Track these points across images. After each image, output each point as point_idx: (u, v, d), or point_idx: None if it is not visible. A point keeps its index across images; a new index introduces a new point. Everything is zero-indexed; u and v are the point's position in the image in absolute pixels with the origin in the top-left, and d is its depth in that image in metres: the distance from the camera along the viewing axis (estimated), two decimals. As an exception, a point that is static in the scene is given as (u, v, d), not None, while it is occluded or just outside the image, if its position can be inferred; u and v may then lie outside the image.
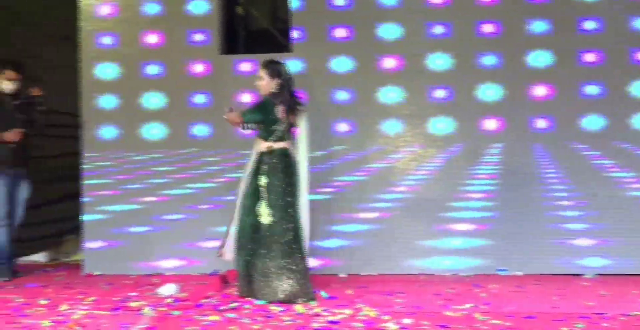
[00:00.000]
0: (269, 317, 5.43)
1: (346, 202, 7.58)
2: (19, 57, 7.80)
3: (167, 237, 7.69)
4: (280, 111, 6.12)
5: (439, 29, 7.58)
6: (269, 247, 6.01)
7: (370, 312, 5.52)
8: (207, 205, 7.66)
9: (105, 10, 7.87)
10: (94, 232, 7.78)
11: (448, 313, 5.51)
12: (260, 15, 8.10)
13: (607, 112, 7.39)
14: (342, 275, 7.37)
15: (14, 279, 7.34)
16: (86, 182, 7.82)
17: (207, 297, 6.20)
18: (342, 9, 7.67)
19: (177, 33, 7.82)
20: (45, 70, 8.35)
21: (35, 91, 7.36)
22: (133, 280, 7.26)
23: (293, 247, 6.03)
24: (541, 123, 7.45)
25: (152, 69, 7.83)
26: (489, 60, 7.52)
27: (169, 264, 7.67)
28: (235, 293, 6.23)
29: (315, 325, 5.15)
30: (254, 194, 6.14)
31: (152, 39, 7.84)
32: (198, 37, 7.80)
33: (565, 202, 7.42)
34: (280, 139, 6.17)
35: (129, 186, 7.87)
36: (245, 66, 7.72)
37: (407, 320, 5.21)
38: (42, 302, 6.08)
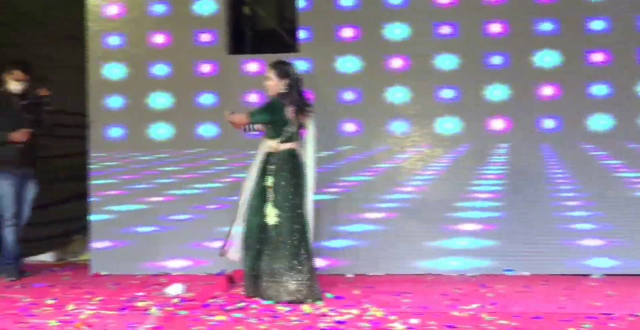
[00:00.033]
0: (275, 317, 5.43)
1: (353, 202, 7.58)
2: (27, 57, 7.81)
3: (174, 237, 7.70)
4: (290, 112, 6.12)
5: (446, 29, 7.58)
6: (276, 248, 6.01)
7: (377, 312, 5.52)
8: (214, 205, 7.66)
9: (112, 10, 7.88)
10: (101, 232, 7.79)
11: (455, 313, 5.50)
12: (267, 15, 8.11)
13: (615, 112, 7.38)
14: (349, 275, 7.37)
15: (22, 278, 7.35)
16: (93, 182, 7.83)
17: (214, 297, 6.20)
18: (349, 9, 7.67)
19: (184, 33, 7.82)
20: (53, 71, 8.38)
21: (43, 91, 7.38)
22: (140, 280, 7.27)
23: (300, 248, 6.02)
24: (548, 123, 7.44)
25: (159, 69, 7.83)
26: (496, 60, 7.50)
27: (175, 264, 7.68)
28: (242, 293, 6.22)
29: (322, 325, 5.15)
30: (260, 195, 6.13)
31: (159, 39, 7.85)
32: (205, 37, 7.80)
33: (573, 203, 7.41)
34: (289, 140, 6.16)
35: (135, 186, 7.88)
36: (252, 66, 7.73)
37: (414, 321, 5.21)
38: (49, 301, 6.09)
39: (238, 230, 6.27)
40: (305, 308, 5.69)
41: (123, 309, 5.78)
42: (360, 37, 7.65)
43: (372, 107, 7.59)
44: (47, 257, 8.71)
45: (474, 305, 5.78)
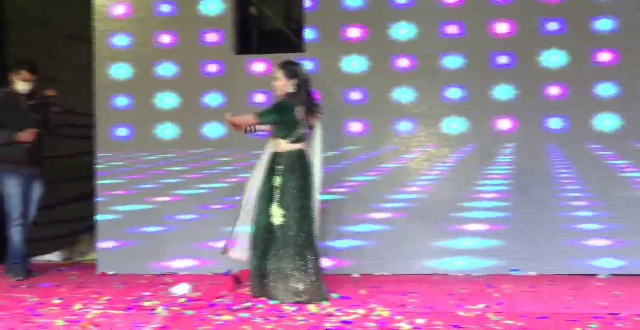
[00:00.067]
0: (282, 316, 5.43)
1: (359, 202, 7.58)
2: (34, 57, 7.83)
3: (180, 237, 7.71)
4: (300, 112, 6.12)
5: (452, 29, 7.57)
6: (283, 248, 6.01)
7: (383, 312, 5.52)
8: (219, 205, 7.66)
9: (118, 10, 7.89)
10: (108, 232, 7.81)
11: (461, 313, 5.50)
12: (274, 15, 8.10)
13: (621, 111, 7.37)
14: (355, 275, 7.38)
15: (28, 278, 7.35)
16: (99, 182, 7.84)
17: (220, 297, 6.20)
18: (355, 9, 7.66)
19: (191, 33, 7.83)
20: (59, 70, 8.40)
21: (50, 92, 7.39)
22: (146, 279, 7.28)
23: (306, 248, 6.03)
24: (554, 123, 7.44)
25: (166, 69, 7.84)
26: (502, 60, 7.50)
27: (182, 264, 7.70)
28: (248, 293, 6.23)
29: (328, 325, 5.15)
30: (268, 195, 6.13)
31: (165, 39, 7.86)
32: (211, 37, 7.81)
33: (579, 202, 7.40)
34: (298, 140, 6.16)
35: (141, 186, 7.89)
36: (259, 66, 7.73)
37: (420, 320, 5.21)
38: (56, 301, 6.10)
39: (242, 229, 6.29)
40: (312, 308, 5.70)
41: (129, 308, 5.79)
42: (367, 37, 7.65)
43: (378, 107, 7.59)
44: (53, 256, 8.73)
45: (480, 305, 5.78)
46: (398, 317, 5.33)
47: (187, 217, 7.75)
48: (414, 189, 7.58)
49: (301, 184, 6.10)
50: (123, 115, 7.87)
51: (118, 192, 7.86)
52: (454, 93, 7.54)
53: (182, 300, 6.09)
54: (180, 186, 7.84)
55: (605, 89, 7.38)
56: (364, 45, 7.64)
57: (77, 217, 8.65)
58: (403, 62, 7.60)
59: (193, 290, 6.47)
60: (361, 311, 5.55)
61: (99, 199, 7.83)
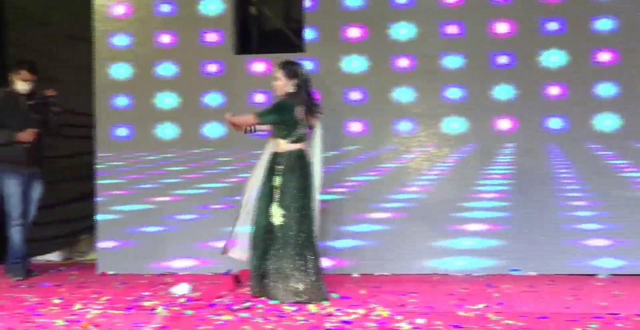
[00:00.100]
0: (282, 316, 5.44)
1: (359, 202, 7.58)
2: (34, 57, 7.83)
3: (180, 237, 7.71)
4: (300, 112, 6.11)
5: (452, 29, 7.57)
6: (283, 248, 6.01)
7: (383, 312, 5.52)
8: (219, 205, 7.66)
9: (118, 10, 7.89)
10: (108, 232, 7.81)
11: (461, 313, 5.51)
12: (274, 15, 8.10)
13: (621, 111, 7.36)
14: (355, 275, 7.38)
15: (28, 278, 7.36)
16: (99, 181, 7.84)
17: (220, 297, 6.21)
18: (355, 9, 7.66)
19: (191, 33, 7.83)
20: (59, 70, 8.40)
21: (50, 92, 7.39)
22: (146, 279, 7.28)
23: (306, 248, 6.03)
24: (555, 123, 7.43)
25: (166, 69, 7.84)
26: (502, 60, 7.49)
27: (182, 264, 7.70)
28: (248, 293, 6.23)
29: (328, 325, 5.15)
30: (268, 195, 6.13)
31: (165, 39, 7.86)
32: (211, 37, 7.81)
33: (579, 202, 7.40)
34: (299, 140, 6.16)
35: (141, 186, 7.89)
36: (259, 66, 7.73)
37: (420, 320, 5.21)
38: (56, 301, 6.10)
39: (242, 229, 6.29)
40: (312, 308, 5.70)
41: (129, 308, 5.80)
42: (367, 37, 7.65)
43: (378, 107, 7.59)
44: (54, 256, 8.73)
45: (480, 305, 5.78)
46: (398, 317, 5.33)
47: (187, 217, 7.75)
48: (414, 189, 7.58)
49: (301, 184, 6.10)
50: (123, 115, 7.87)
51: (118, 192, 7.86)
52: (454, 93, 7.53)
53: (182, 300, 6.10)
54: (180, 186, 7.84)
55: (605, 89, 7.38)
56: (364, 45, 7.64)
57: (77, 217, 8.65)
58: (403, 62, 7.60)
59: (193, 290, 6.48)
60: (361, 311, 5.55)
61: (99, 199, 7.83)
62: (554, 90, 7.43)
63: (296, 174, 6.10)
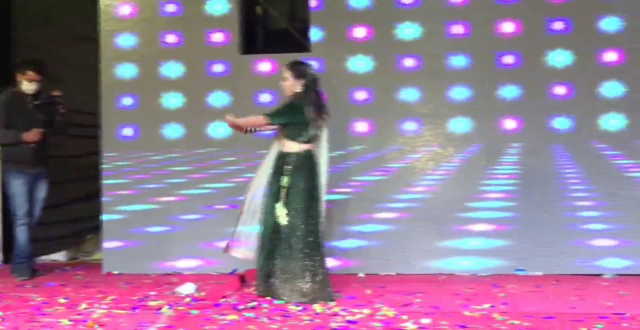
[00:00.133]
0: (287, 316, 5.44)
1: (364, 202, 7.57)
2: (40, 57, 7.83)
3: (186, 236, 7.71)
4: (311, 112, 6.10)
5: (458, 29, 7.55)
6: (290, 248, 6.00)
7: (388, 311, 5.52)
8: (224, 205, 7.65)
9: (124, 10, 7.89)
10: (113, 232, 7.81)
11: (467, 313, 5.50)
12: (279, 15, 8.10)
13: (627, 111, 7.34)
14: (361, 275, 7.37)
15: (34, 277, 7.37)
16: (105, 181, 7.85)
17: (226, 297, 6.21)
18: (360, 8, 7.65)
19: (196, 33, 7.83)
20: (65, 70, 8.39)
21: (56, 92, 7.40)
22: (152, 279, 7.29)
23: (313, 248, 6.02)
24: (560, 123, 7.42)
25: (171, 69, 7.84)
26: (508, 59, 7.48)
27: (187, 264, 7.70)
28: (254, 292, 6.23)
29: (333, 325, 5.15)
30: (275, 195, 6.12)
31: (171, 39, 7.86)
32: (217, 37, 7.80)
33: (585, 202, 7.38)
34: (309, 141, 6.15)
35: (147, 186, 7.90)
36: (264, 66, 7.73)
37: (425, 320, 5.21)
38: (62, 301, 6.12)
39: (246, 229, 6.29)
40: (317, 307, 5.70)
41: (135, 308, 5.80)
42: (372, 36, 7.64)
43: (383, 107, 7.58)
44: (59, 256, 8.74)
45: (486, 305, 5.78)
46: (403, 317, 5.33)
47: (192, 217, 7.75)
48: (419, 188, 7.57)
49: (309, 185, 6.10)
50: (129, 115, 7.87)
51: (123, 192, 7.86)
52: (459, 93, 7.52)
53: (188, 300, 6.10)
54: (185, 186, 7.84)
55: (611, 89, 7.36)
56: (369, 45, 7.63)
57: (82, 216, 8.65)
58: (408, 62, 7.59)
59: (198, 290, 6.48)
60: (366, 311, 5.55)
61: (104, 198, 7.84)
62: (559, 90, 7.42)
63: (304, 174, 6.09)
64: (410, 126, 7.58)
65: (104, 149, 7.86)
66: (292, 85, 6.17)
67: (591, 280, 6.97)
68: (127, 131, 7.87)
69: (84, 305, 5.86)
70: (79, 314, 5.54)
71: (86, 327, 5.13)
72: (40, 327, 5.17)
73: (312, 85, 6.16)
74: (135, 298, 6.22)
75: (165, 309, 5.66)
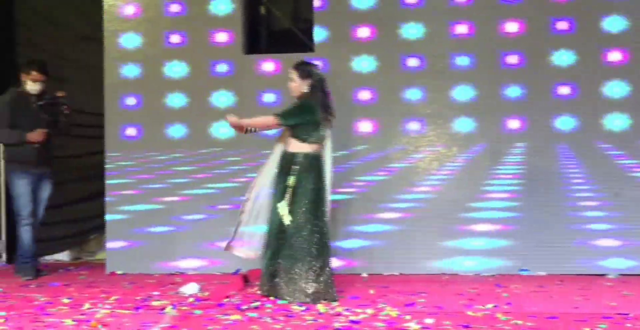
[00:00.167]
0: (290, 316, 5.43)
1: (368, 202, 7.57)
2: (44, 57, 7.84)
3: (189, 236, 7.72)
4: (321, 112, 6.10)
5: (461, 29, 7.55)
6: (294, 248, 5.99)
7: (392, 311, 5.52)
8: (228, 205, 7.65)
9: (128, 10, 7.89)
10: (117, 232, 7.82)
11: (470, 313, 5.50)
12: (283, 14, 8.10)
13: (631, 111, 7.34)
14: (364, 275, 7.37)
15: (38, 277, 7.38)
16: (109, 181, 7.85)
17: (229, 297, 6.21)
18: (364, 8, 7.65)
19: (200, 33, 7.83)
20: (69, 70, 8.39)
21: (60, 92, 7.40)
22: (155, 279, 7.29)
23: (319, 249, 6.01)
24: (564, 122, 7.41)
25: (175, 69, 7.84)
26: (512, 59, 7.47)
27: (190, 264, 7.70)
28: (257, 292, 6.23)
29: (337, 324, 5.15)
30: (281, 195, 6.12)
31: (175, 39, 7.86)
32: (221, 37, 7.81)
33: (589, 202, 7.38)
34: (317, 141, 6.14)
35: (150, 186, 7.90)
36: (268, 66, 7.73)
37: (429, 320, 5.20)
38: (65, 300, 6.11)
39: (249, 228, 6.28)
40: (320, 307, 5.70)
41: (138, 308, 5.80)
42: (376, 36, 7.64)
43: (387, 107, 7.58)
44: (63, 256, 8.75)
45: (489, 305, 5.77)
46: (407, 317, 5.33)
47: (196, 217, 7.75)
48: (423, 188, 7.57)
49: (316, 185, 6.08)
50: (132, 115, 7.88)
51: (127, 192, 7.87)
52: (463, 93, 7.52)
53: (191, 300, 6.10)
54: (189, 186, 7.85)
55: (615, 89, 7.35)
56: (373, 45, 7.63)
57: (86, 216, 8.65)
58: (412, 62, 7.59)
59: (202, 290, 6.48)
60: (370, 311, 5.55)
61: (108, 198, 7.85)
62: (563, 90, 7.41)
63: (312, 174, 6.08)
64: (414, 126, 7.58)
65: (107, 149, 7.86)
66: (298, 86, 6.16)
67: (595, 280, 6.96)
68: (131, 131, 7.87)
69: (87, 305, 5.86)
70: (82, 314, 5.53)
71: (89, 327, 5.13)
72: (43, 327, 5.17)
73: (318, 85, 6.15)
74: (138, 298, 6.22)
75: (168, 309, 5.66)
